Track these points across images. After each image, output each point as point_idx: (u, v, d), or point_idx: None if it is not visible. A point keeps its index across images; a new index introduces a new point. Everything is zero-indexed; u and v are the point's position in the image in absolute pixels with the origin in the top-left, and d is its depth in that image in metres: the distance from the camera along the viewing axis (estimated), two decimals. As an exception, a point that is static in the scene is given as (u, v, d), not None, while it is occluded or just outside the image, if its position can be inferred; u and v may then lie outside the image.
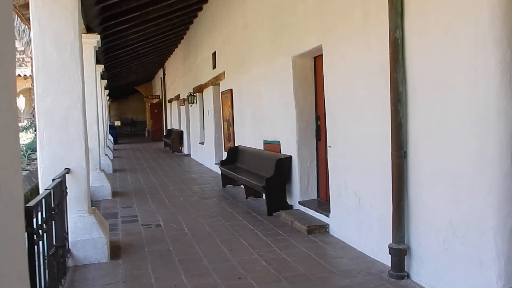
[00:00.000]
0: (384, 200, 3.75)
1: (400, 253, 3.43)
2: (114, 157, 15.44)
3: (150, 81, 29.44)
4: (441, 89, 3.10)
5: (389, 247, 3.50)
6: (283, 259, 4.12)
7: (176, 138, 17.10)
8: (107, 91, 19.47)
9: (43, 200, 2.81)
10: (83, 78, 4.45)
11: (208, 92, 11.50)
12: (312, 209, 5.37)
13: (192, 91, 13.55)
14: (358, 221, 4.27)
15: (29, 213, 2.34)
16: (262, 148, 7.21)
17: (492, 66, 2.67)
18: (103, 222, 4.71)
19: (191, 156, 14.90)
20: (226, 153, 9.20)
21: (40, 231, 2.61)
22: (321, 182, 5.74)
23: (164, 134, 21.86)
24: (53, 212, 3.17)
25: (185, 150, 16.35)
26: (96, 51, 8.96)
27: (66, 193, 4.17)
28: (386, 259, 3.70)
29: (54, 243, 3.23)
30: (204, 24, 11.65)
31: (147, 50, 14.72)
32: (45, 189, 3.03)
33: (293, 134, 5.88)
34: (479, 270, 2.78)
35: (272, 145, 6.74)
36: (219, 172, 8.87)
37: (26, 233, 2.33)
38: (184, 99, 15.07)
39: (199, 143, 13.25)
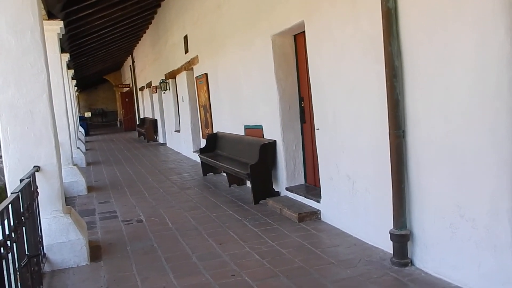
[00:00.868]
0: (381, 183, 3.55)
1: (402, 239, 3.24)
2: (86, 150, 14.88)
3: (119, 70, 28.51)
4: (443, 62, 2.88)
5: (390, 233, 3.31)
6: (277, 251, 3.89)
7: (150, 127, 16.62)
8: (74, 82, 18.70)
9: (10, 206, 2.47)
10: (47, 66, 4.04)
11: (182, 78, 11.08)
12: (301, 195, 5.16)
13: (164, 78, 13.08)
14: (352, 206, 4.07)
15: (-9, 225, 2.01)
16: (243, 133, 6.93)
17: (502, 33, 2.45)
18: (80, 222, 4.37)
19: (167, 145, 14.48)
20: (204, 140, 8.88)
21: (8, 242, 2.28)
22: (308, 167, 5.52)
23: (137, 123, 21.27)
24: (23, 218, 2.83)
25: (160, 139, 15.91)
26: (60, 38, 8.39)
27: (37, 193, 3.81)
28: (386, 246, 3.52)
29: (27, 252, 2.90)
30: (173, 6, 11.15)
31: (114, 36, 14.08)
32: (12, 193, 2.68)
33: (276, 117, 5.62)
34: (492, 255, 2.61)
35: (254, 130, 6.47)
36: (198, 160, 8.57)
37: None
38: (156, 86, 14.57)
39: (175, 131, 12.86)
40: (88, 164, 11.17)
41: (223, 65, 7.68)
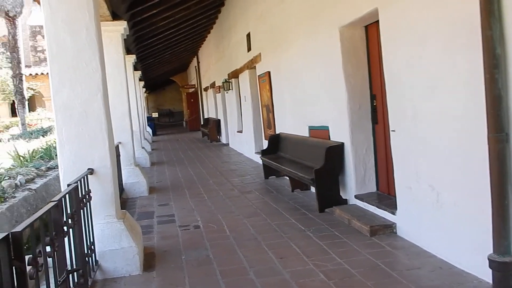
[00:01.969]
0: (475, 197, 2.94)
1: (506, 268, 2.62)
2: (152, 150, 15.14)
3: (185, 71, 29.12)
4: None
5: (489, 259, 2.69)
6: (345, 270, 3.38)
7: (213, 127, 16.62)
8: (142, 83, 19.22)
9: (48, 216, 2.22)
10: (102, 65, 3.88)
11: (244, 77, 10.81)
12: (373, 205, 4.59)
13: (227, 77, 12.92)
14: (436, 221, 3.46)
15: (16, 242, 1.74)
16: (307, 134, 6.46)
17: None
18: (134, 227, 4.16)
19: (230, 146, 14.34)
20: (266, 141, 8.51)
21: (38, 259, 2.02)
22: (381, 173, 4.93)
23: (202, 123, 21.49)
24: (64, 228, 2.60)
25: (223, 139, 15.83)
26: (125, 39, 8.43)
27: (90, 197, 3.64)
28: (481, 272, 2.90)
29: (69, 264, 2.67)
30: (236, 4, 10.92)
31: (179, 37, 14.18)
32: (51, 201, 2.44)
33: (344, 118, 5.09)
34: None
35: (319, 131, 5.98)
36: (260, 162, 8.21)
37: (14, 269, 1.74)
38: (219, 86, 14.48)
39: (237, 132, 12.64)
40: (152, 164, 11.26)
41: (286, 62, 7.25)
